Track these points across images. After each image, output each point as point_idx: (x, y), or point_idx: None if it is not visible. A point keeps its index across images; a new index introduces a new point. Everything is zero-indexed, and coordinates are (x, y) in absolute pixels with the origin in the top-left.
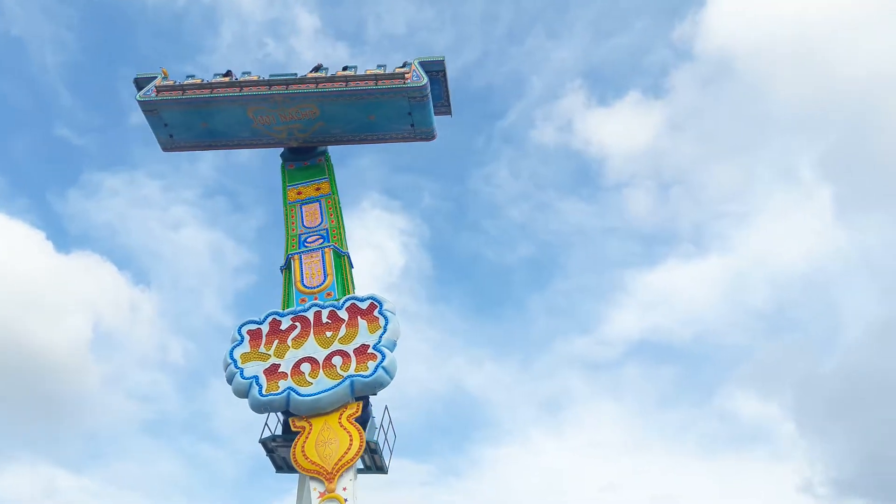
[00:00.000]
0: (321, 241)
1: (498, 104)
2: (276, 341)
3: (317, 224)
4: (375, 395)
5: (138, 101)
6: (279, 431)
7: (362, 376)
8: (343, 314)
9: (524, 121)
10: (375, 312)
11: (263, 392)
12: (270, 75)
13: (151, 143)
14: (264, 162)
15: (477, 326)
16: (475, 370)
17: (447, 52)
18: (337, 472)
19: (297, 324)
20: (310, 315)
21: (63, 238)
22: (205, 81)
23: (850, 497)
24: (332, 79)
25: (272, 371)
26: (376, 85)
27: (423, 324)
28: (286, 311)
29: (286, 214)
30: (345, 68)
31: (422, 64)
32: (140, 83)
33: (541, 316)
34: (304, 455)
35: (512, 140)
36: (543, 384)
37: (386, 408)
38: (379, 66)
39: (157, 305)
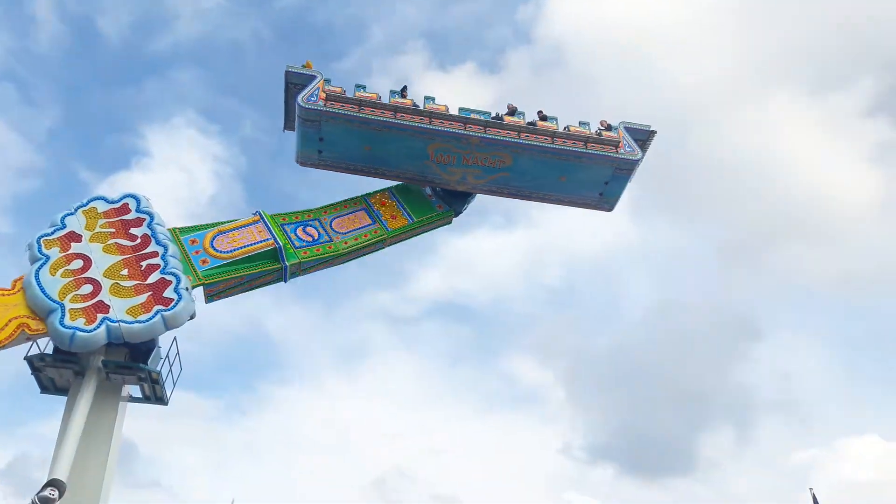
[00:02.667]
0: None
1: (337, 45)
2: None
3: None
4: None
5: (300, 107)
6: (49, 350)
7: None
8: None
9: (362, 68)
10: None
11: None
12: (460, 109)
13: None
14: (69, 53)
15: None
16: (276, 311)
17: None
18: None
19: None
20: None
21: None
22: (381, 100)
23: (602, 461)
24: (535, 130)
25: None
26: (585, 148)
27: None
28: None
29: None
30: (543, 118)
31: (628, 130)
32: (292, 78)
33: (350, 266)
34: None
35: (347, 85)
36: (344, 333)
37: (175, 339)
38: (582, 125)
39: None
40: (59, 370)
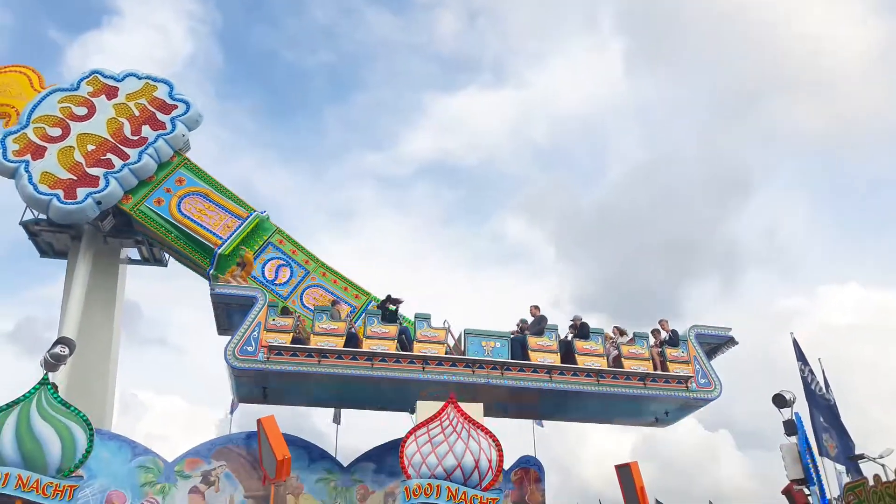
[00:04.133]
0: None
1: None
2: None
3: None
4: None
5: (229, 366)
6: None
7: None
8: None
9: None
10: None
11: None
12: (467, 334)
13: None
14: None
15: (269, 130)
16: (266, 174)
17: None
18: None
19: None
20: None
21: None
22: (329, 344)
23: (590, 312)
24: (574, 369)
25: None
26: (644, 387)
27: (209, 120)
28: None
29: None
30: (582, 332)
31: (700, 338)
32: (221, 299)
33: (337, 128)
34: None
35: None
36: (334, 194)
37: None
38: (638, 339)
39: None
40: (55, 235)
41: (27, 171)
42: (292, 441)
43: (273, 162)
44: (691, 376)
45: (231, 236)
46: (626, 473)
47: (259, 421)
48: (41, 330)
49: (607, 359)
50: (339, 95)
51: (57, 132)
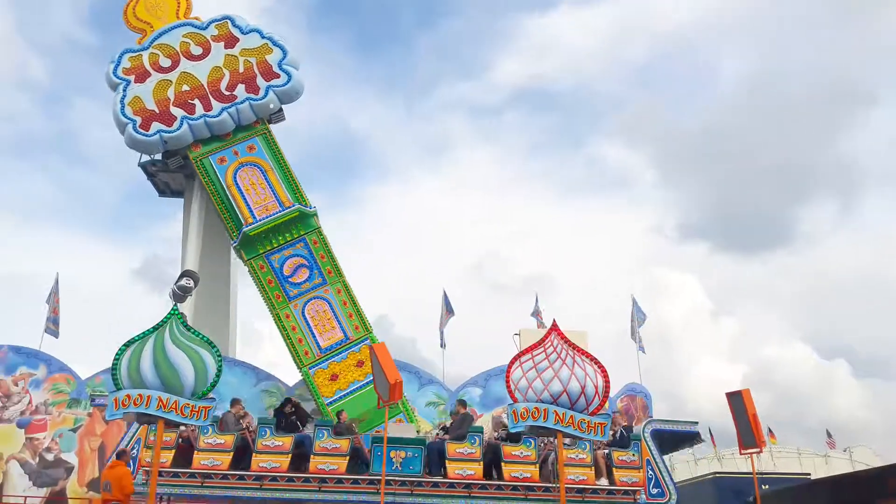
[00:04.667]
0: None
1: None
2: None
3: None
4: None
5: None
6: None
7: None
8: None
9: None
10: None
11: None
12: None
13: None
14: None
15: (361, 64)
16: (359, 110)
17: None
18: None
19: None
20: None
21: None
22: (239, 454)
23: (694, 239)
24: (496, 485)
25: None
26: (582, 500)
27: (303, 56)
28: None
29: None
30: (504, 430)
31: (657, 434)
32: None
33: (428, 58)
34: None
35: None
36: (426, 126)
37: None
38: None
39: (8, 14)
40: (171, 175)
41: (124, 91)
42: (402, 367)
43: (366, 95)
44: (639, 488)
45: (264, 219)
46: (737, 401)
47: (371, 347)
48: (164, 266)
49: (543, 466)
50: (429, 23)
51: (167, 63)
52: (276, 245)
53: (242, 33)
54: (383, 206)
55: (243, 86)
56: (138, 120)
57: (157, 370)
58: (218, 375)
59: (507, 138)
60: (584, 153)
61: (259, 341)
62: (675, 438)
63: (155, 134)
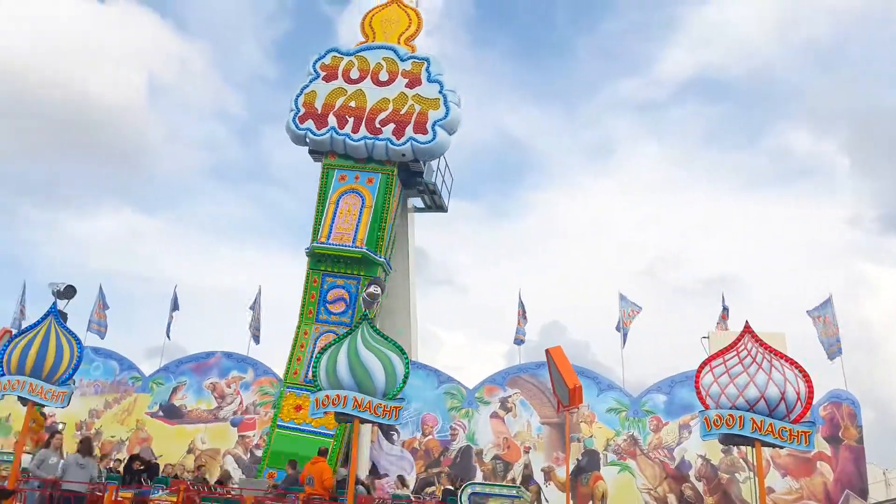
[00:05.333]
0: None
1: None
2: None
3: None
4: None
5: None
6: None
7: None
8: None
9: None
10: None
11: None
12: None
13: None
14: None
15: (521, 71)
16: (521, 116)
17: None
18: None
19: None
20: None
21: None
22: None
23: None
24: None
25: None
26: None
27: (466, 70)
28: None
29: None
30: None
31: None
32: None
33: (588, 59)
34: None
35: None
36: (590, 129)
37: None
38: None
39: (204, 56)
40: None
41: (309, 83)
42: (580, 371)
43: (527, 103)
44: None
45: (332, 245)
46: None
47: (547, 351)
48: None
49: None
50: (587, 24)
51: (355, 76)
52: (334, 270)
53: (428, 80)
54: (550, 211)
55: (393, 125)
56: (301, 111)
57: (351, 372)
58: (406, 377)
59: (677, 133)
60: (765, 143)
61: (438, 345)
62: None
63: (304, 130)
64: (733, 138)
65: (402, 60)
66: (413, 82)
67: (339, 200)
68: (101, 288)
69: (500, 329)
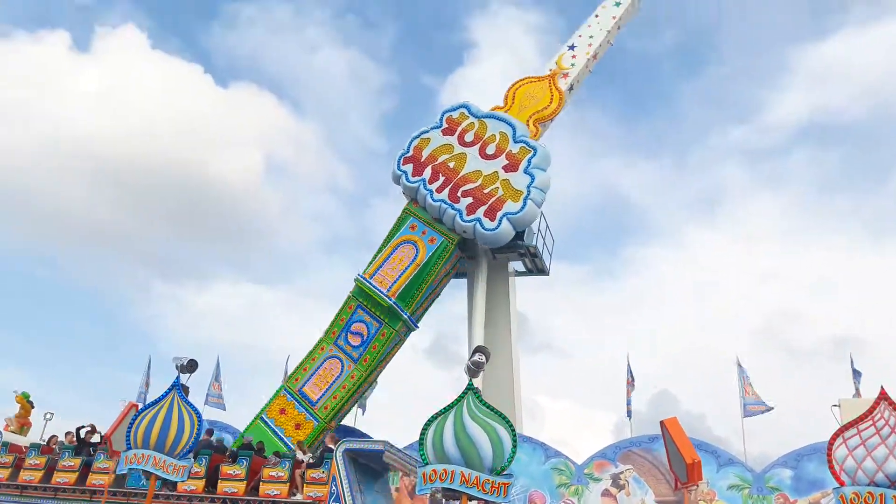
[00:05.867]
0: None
1: None
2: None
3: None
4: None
5: None
6: None
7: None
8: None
9: None
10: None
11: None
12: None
13: None
14: None
15: (624, 126)
16: (625, 172)
17: None
18: None
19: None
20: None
21: (218, 71)
22: (49, 471)
23: None
24: (212, 498)
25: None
26: None
27: (568, 129)
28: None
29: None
30: (250, 448)
31: (348, 451)
32: None
33: (693, 108)
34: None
35: None
36: (698, 180)
37: (542, 214)
38: (284, 460)
39: (317, 134)
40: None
41: (427, 130)
42: (698, 445)
43: (633, 156)
44: (317, 500)
45: (371, 285)
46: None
47: (662, 423)
48: (450, 343)
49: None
50: (691, 73)
51: (469, 138)
52: (366, 305)
53: (524, 170)
54: (656, 268)
55: (470, 200)
56: (409, 153)
57: (458, 445)
58: (514, 451)
59: (793, 180)
60: (889, 188)
61: (542, 415)
62: (368, 457)
63: (402, 172)
64: (856, 184)
65: (514, 142)
66: (511, 167)
67: (398, 247)
68: (217, 360)
69: (607, 398)
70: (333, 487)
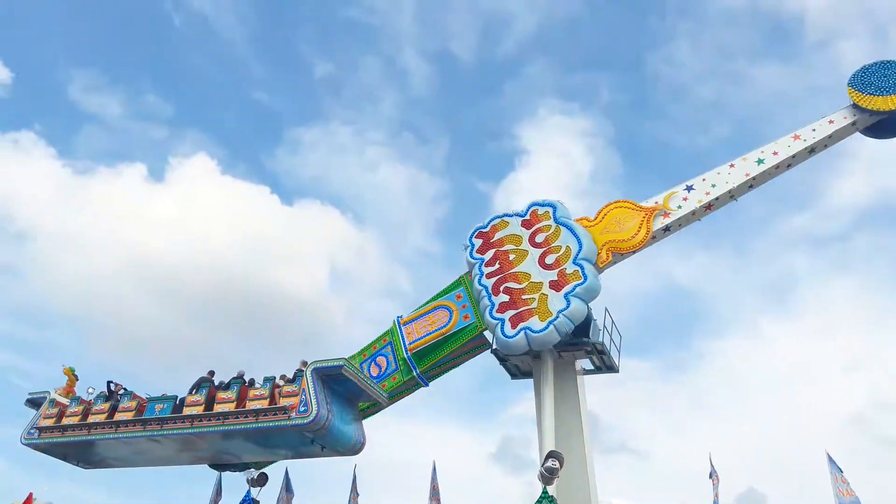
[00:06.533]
0: (387, 355)
1: None
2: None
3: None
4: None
5: (25, 445)
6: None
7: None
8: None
9: None
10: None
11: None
12: (149, 400)
13: (337, 93)
14: (441, 90)
15: None
16: (686, 263)
17: None
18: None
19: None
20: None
21: (284, 191)
22: (85, 411)
23: None
24: (209, 415)
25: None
26: (257, 421)
27: None
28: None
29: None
30: (228, 386)
31: (317, 371)
32: (34, 403)
33: (752, 198)
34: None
35: (688, 12)
36: (763, 268)
37: (606, 309)
38: (266, 382)
39: (377, 242)
40: (520, 357)
41: (507, 216)
42: None
43: (694, 247)
44: (289, 407)
45: (400, 327)
46: None
47: None
48: (517, 447)
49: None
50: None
51: (540, 238)
52: (396, 345)
53: (566, 293)
54: (730, 360)
55: (506, 298)
56: (486, 229)
57: None
58: None
59: (863, 265)
60: None
61: None
62: (326, 373)
63: (470, 245)
64: None
65: (573, 262)
66: (557, 284)
67: (438, 308)
68: (286, 472)
69: (689, 497)
70: (303, 396)
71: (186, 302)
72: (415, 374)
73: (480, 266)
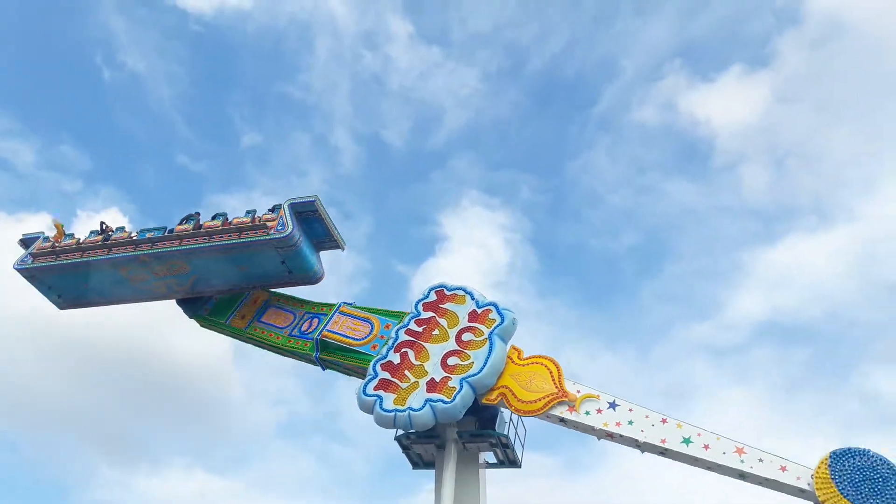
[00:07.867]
0: (316, 321)
1: (589, 91)
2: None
3: (291, 320)
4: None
5: (16, 270)
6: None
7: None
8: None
9: (619, 105)
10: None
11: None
12: (140, 230)
13: (263, 163)
14: (367, 168)
15: (588, 319)
16: (590, 363)
17: (533, 44)
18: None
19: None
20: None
21: None
22: (79, 242)
23: None
24: (197, 233)
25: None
26: (240, 238)
27: (533, 320)
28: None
29: (260, 337)
30: (215, 217)
31: (293, 206)
32: (26, 243)
33: (655, 304)
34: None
35: (608, 126)
36: (663, 374)
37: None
38: (248, 213)
39: None
40: (423, 446)
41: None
42: None
43: (597, 350)
44: (274, 220)
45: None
46: None
47: None
48: None
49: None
50: (651, 272)
51: (452, 329)
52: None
53: (425, 401)
54: (629, 462)
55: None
56: (431, 298)
57: None
58: None
59: (756, 380)
60: (851, 388)
61: None
62: (300, 209)
63: (416, 306)
64: (820, 382)
65: (462, 379)
66: (433, 386)
67: (370, 321)
68: None
69: None
70: (281, 219)
71: (77, 365)
72: (314, 356)
73: (411, 320)
